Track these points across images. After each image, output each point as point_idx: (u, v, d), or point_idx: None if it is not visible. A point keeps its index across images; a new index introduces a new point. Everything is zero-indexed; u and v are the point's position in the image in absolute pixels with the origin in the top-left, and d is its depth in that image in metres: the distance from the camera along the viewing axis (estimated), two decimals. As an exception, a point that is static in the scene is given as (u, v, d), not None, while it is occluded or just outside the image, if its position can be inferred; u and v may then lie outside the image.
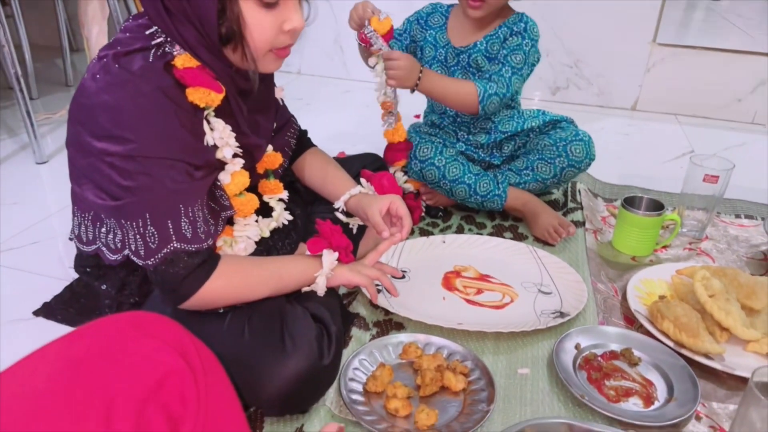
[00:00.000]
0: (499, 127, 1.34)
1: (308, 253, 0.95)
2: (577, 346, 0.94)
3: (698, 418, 0.82)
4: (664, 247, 1.26)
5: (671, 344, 0.93)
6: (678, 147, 1.87)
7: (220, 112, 0.83)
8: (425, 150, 1.32)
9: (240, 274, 0.84)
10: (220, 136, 0.83)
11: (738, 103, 2.08)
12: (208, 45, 0.78)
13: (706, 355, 0.91)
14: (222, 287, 0.81)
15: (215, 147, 0.83)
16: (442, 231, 1.33)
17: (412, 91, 1.23)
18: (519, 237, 1.30)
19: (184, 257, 0.78)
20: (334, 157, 1.33)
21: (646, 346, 0.94)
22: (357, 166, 1.23)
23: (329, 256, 0.93)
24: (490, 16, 1.26)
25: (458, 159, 1.31)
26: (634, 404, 0.84)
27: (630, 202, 1.23)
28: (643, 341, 0.95)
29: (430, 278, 1.14)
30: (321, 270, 0.92)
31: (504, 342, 0.98)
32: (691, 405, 0.81)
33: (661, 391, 0.86)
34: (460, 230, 1.33)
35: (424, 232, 1.32)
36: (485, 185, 1.30)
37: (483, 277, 1.15)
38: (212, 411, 0.53)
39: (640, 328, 1.00)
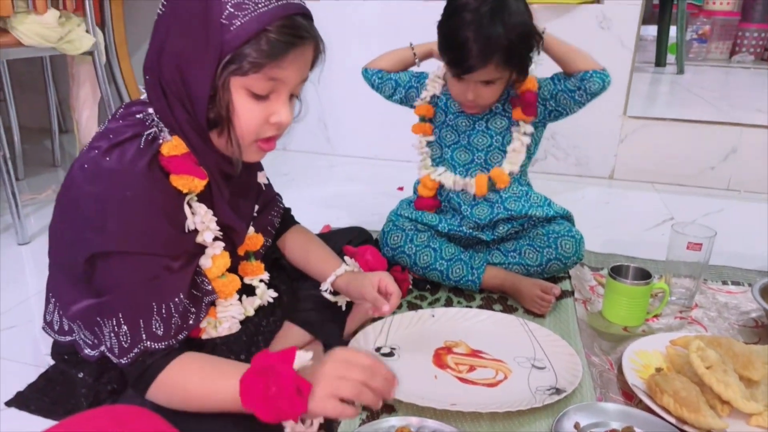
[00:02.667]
0: (505, 203, 1.33)
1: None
2: (576, 425, 0.90)
3: (709, 501, 0.78)
4: (656, 316, 1.25)
5: (673, 420, 0.90)
6: (657, 214, 1.90)
7: (201, 197, 0.84)
8: (395, 238, 1.33)
9: (188, 370, 0.78)
10: (201, 220, 0.83)
11: (712, 171, 2.14)
12: (196, 127, 0.79)
13: (710, 431, 0.88)
14: (168, 382, 0.77)
15: (195, 232, 0.83)
16: (430, 304, 1.30)
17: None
18: (509, 309, 1.27)
19: (151, 355, 0.77)
20: (319, 232, 1.33)
21: (648, 423, 0.90)
22: (341, 241, 1.22)
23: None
24: None
25: (430, 245, 1.32)
26: (641, 488, 0.80)
27: (617, 272, 1.23)
28: (645, 418, 0.91)
29: (421, 355, 1.10)
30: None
31: (500, 422, 0.94)
32: (701, 487, 0.77)
33: (667, 472, 0.83)
34: (448, 303, 1.31)
35: (412, 306, 1.29)
36: (458, 271, 1.30)
37: (475, 353, 1.11)
38: None
39: (639, 404, 0.96)
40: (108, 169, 0.74)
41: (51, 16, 1.62)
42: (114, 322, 0.75)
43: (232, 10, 0.73)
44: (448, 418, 0.93)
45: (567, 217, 1.37)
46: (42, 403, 0.97)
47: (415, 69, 1.44)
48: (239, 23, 0.73)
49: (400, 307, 1.29)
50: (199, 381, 0.77)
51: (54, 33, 1.64)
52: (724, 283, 1.41)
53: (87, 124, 1.91)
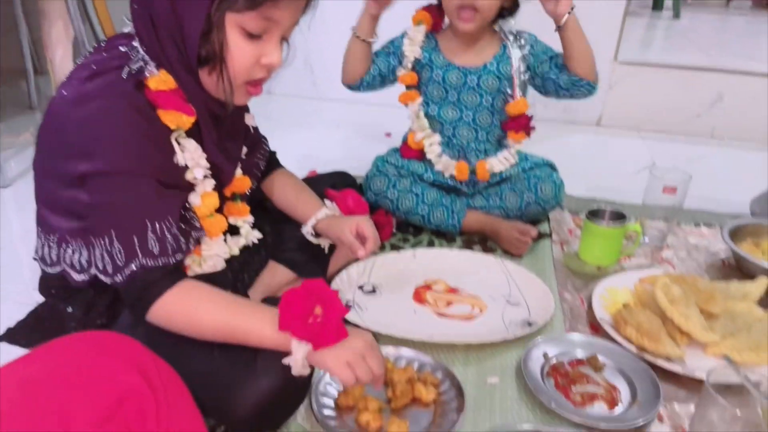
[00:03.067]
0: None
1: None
2: (544, 355, 0.96)
3: (660, 420, 0.85)
4: (628, 256, 1.30)
5: (634, 349, 0.96)
6: (640, 161, 1.93)
7: (189, 135, 0.83)
8: (378, 183, 1.36)
9: (197, 297, 0.79)
10: (191, 156, 0.83)
11: (697, 119, 2.16)
12: (185, 64, 0.78)
13: (668, 359, 0.94)
14: (177, 304, 0.78)
15: (185, 168, 0.83)
16: (412, 246, 1.35)
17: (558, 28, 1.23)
18: (488, 250, 1.32)
19: (150, 272, 0.77)
20: (305, 176, 1.34)
21: (610, 352, 0.96)
22: (325, 185, 1.25)
23: (299, 349, 0.75)
24: (481, 32, 1.30)
25: (412, 190, 1.34)
26: (599, 408, 0.86)
27: (594, 214, 1.27)
28: (608, 347, 0.97)
29: (401, 292, 1.15)
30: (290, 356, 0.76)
31: (474, 353, 1.00)
32: (654, 407, 0.84)
33: (624, 394, 0.89)
34: (430, 245, 1.35)
35: (395, 248, 1.33)
36: (439, 215, 1.34)
37: (453, 290, 1.17)
38: (173, 429, 0.53)
39: (605, 335, 1.02)
40: (91, 94, 0.73)
41: None
42: (106, 240, 0.74)
43: None
44: (425, 349, 0.99)
45: (549, 165, 1.40)
46: (32, 338, 1.01)
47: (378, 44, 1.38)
48: None
49: (383, 248, 1.34)
50: (213, 307, 0.78)
51: None
52: (697, 225, 1.46)
53: (62, 63, 1.82)
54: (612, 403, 0.87)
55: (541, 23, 1.28)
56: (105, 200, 0.75)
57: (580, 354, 0.97)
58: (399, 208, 1.35)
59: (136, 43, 0.80)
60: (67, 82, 0.77)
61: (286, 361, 0.75)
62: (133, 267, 0.75)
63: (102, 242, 0.75)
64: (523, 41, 1.33)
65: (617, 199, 1.58)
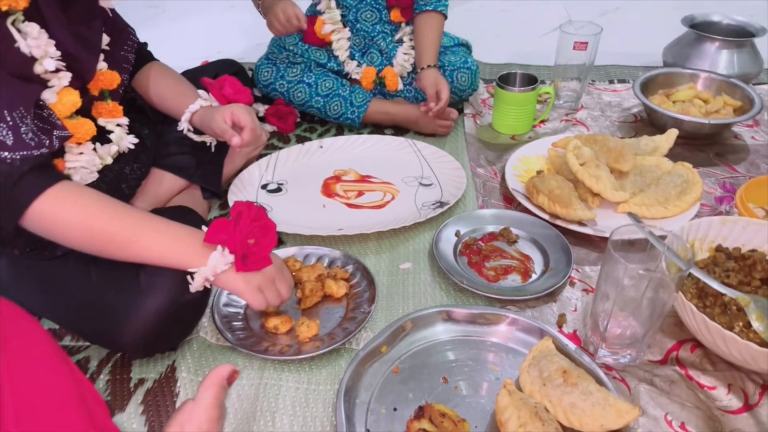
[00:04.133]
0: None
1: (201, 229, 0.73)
2: (456, 233, 0.93)
3: (572, 284, 0.85)
4: (542, 121, 1.26)
5: (546, 217, 0.94)
6: (556, 18, 1.84)
7: (31, 20, 0.69)
8: (266, 73, 1.23)
9: (81, 201, 0.69)
10: (36, 44, 0.69)
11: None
12: None
13: (580, 223, 0.92)
14: (54, 211, 0.68)
15: (33, 60, 0.70)
16: (320, 135, 1.25)
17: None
18: (400, 132, 1.24)
19: (11, 165, 0.66)
20: (197, 67, 1.20)
21: (523, 222, 0.94)
22: (209, 75, 1.11)
23: (220, 259, 0.69)
24: None
25: (304, 80, 1.22)
26: (513, 281, 0.85)
27: (505, 80, 1.20)
28: (520, 218, 0.95)
29: (309, 187, 1.08)
30: (200, 268, 0.69)
31: (386, 240, 0.95)
32: (565, 272, 0.83)
33: (538, 264, 0.88)
34: (339, 132, 1.26)
35: (301, 139, 1.24)
36: (336, 108, 1.23)
37: (363, 179, 1.10)
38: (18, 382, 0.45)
39: (518, 206, 1.00)
40: None
41: None
42: None
43: None
44: (337, 243, 0.94)
45: (463, 45, 1.29)
46: None
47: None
48: None
49: (288, 141, 1.24)
50: (99, 212, 0.68)
51: None
52: (611, 82, 1.42)
53: None
54: (525, 273, 0.86)
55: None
56: None
57: (492, 228, 0.94)
58: (292, 100, 1.23)
59: None
60: None
61: (192, 276, 0.69)
62: None
63: None
64: None
65: (530, 62, 1.52)
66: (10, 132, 0.66)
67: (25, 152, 0.67)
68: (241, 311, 0.82)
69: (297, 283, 0.86)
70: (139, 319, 0.70)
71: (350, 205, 1.04)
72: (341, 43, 1.24)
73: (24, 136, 0.67)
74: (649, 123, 1.24)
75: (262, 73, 1.23)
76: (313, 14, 1.25)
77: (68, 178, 0.73)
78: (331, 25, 1.22)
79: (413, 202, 1.03)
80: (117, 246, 0.69)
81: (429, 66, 1.16)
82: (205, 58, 1.49)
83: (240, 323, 0.81)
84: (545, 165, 1.08)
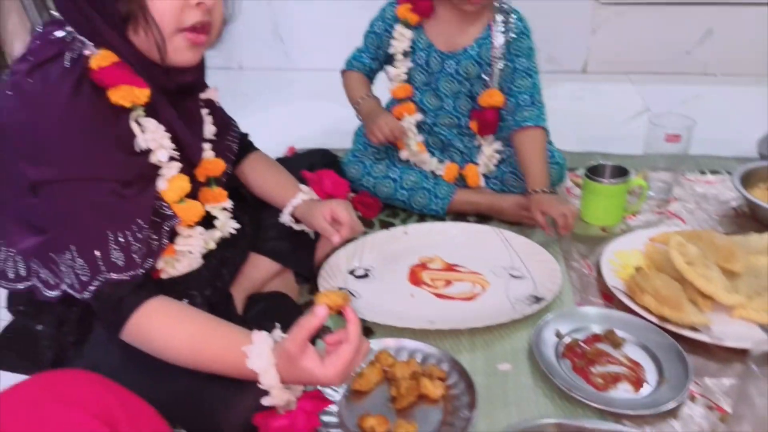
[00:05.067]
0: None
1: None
2: (557, 333, 0.89)
3: (693, 399, 0.78)
4: (633, 213, 1.22)
5: (654, 319, 0.88)
6: (633, 106, 1.83)
7: (150, 113, 0.75)
8: (353, 171, 1.25)
9: (168, 314, 0.73)
10: (153, 137, 0.75)
11: (687, 56, 2.05)
12: (113, 27, 0.70)
13: (692, 328, 0.86)
14: (149, 326, 0.72)
15: (148, 152, 0.76)
16: (403, 221, 1.25)
17: None
18: (484, 219, 1.23)
19: (118, 287, 0.71)
20: (282, 156, 1.25)
21: (628, 324, 0.89)
22: (303, 165, 1.15)
23: (262, 343, 0.69)
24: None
25: (389, 175, 1.24)
26: (624, 391, 0.79)
27: (594, 171, 1.18)
28: (625, 319, 0.90)
29: (396, 274, 1.07)
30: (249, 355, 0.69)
31: (480, 336, 0.92)
32: (684, 385, 0.76)
33: (650, 372, 0.81)
34: (422, 219, 1.25)
35: (385, 225, 1.24)
36: (420, 200, 1.23)
37: (450, 267, 1.08)
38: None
39: (619, 305, 0.95)
40: (32, 93, 0.67)
41: None
42: (68, 255, 0.69)
43: None
44: (427, 337, 0.91)
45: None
46: (7, 357, 0.93)
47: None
48: None
49: (372, 226, 1.24)
50: (187, 336, 0.71)
51: None
52: (702, 173, 1.38)
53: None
54: (638, 383, 0.79)
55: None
56: (60, 211, 0.69)
57: (595, 329, 0.89)
58: (378, 194, 1.25)
59: (70, 28, 0.72)
60: (9, 80, 0.70)
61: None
62: (98, 283, 0.70)
63: (64, 258, 0.70)
64: (512, 24, 1.18)
65: (612, 151, 1.50)
66: (122, 253, 0.71)
67: (132, 272, 0.72)
68: (336, 410, 0.79)
69: (390, 380, 0.83)
70: (240, 415, 0.71)
71: (439, 295, 1.01)
72: (419, 157, 1.26)
73: (134, 255, 0.72)
74: (753, 218, 1.18)
75: (349, 170, 1.25)
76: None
77: (154, 287, 0.76)
78: (410, 154, 1.26)
79: (505, 296, 0.99)
80: (199, 365, 0.71)
81: (543, 191, 1.10)
82: (291, 145, 1.55)
83: (334, 418, 0.78)
84: (643, 261, 1.03)
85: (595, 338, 0.88)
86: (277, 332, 0.74)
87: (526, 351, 0.88)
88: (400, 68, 1.23)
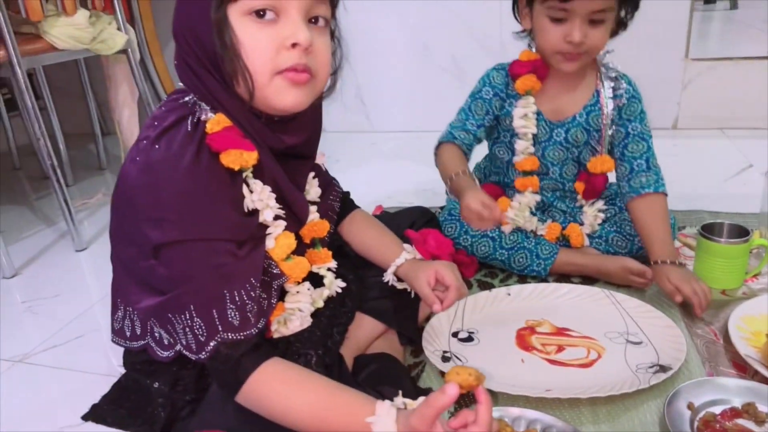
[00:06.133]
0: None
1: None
2: (689, 406, 0.82)
3: None
4: (755, 275, 1.14)
5: (801, 393, 0.80)
6: (734, 162, 1.76)
7: (258, 174, 0.79)
8: (450, 229, 1.24)
9: (287, 379, 0.73)
10: (260, 198, 0.78)
11: (786, 110, 1.97)
12: (223, 86, 0.74)
13: None
14: (265, 390, 0.72)
15: (256, 212, 0.79)
16: (501, 281, 1.22)
17: None
18: (589, 280, 1.18)
19: (234, 347, 0.72)
20: (372, 213, 1.26)
21: (771, 398, 0.81)
22: (404, 223, 1.15)
23: (386, 416, 0.67)
24: (581, 69, 1.14)
25: (488, 234, 1.21)
26: (777, 473, 0.71)
27: (709, 230, 1.12)
28: (766, 392, 0.82)
29: (502, 338, 1.03)
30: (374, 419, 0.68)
31: (602, 407, 0.86)
32: None
33: (805, 453, 0.73)
34: (522, 279, 1.22)
35: (483, 285, 1.21)
36: (521, 261, 1.20)
37: (561, 332, 1.03)
38: None
39: (756, 375, 0.87)
40: (157, 160, 0.71)
41: (81, 16, 1.58)
42: (186, 316, 0.71)
43: None
44: (544, 405, 0.86)
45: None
46: (118, 414, 0.95)
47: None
48: None
49: (470, 286, 1.22)
50: (308, 403, 0.71)
51: (86, 34, 1.61)
52: (826, 231, 1.28)
53: (128, 123, 1.89)
54: (793, 465, 0.72)
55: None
56: (180, 272, 0.72)
57: (735, 401, 0.82)
58: (476, 253, 1.23)
59: (191, 94, 0.77)
60: (136, 145, 0.74)
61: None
62: (215, 343, 0.71)
63: (182, 318, 0.72)
64: (622, 90, 1.16)
65: (719, 209, 1.43)
66: (237, 313, 0.72)
67: (247, 331, 0.73)
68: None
69: (510, 452, 0.78)
70: None
71: (552, 362, 0.96)
72: (520, 216, 1.23)
73: (249, 314, 0.73)
74: None
75: (446, 229, 1.24)
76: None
77: (270, 348, 0.77)
78: (512, 227, 1.22)
79: (625, 363, 0.94)
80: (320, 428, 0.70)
81: (671, 262, 1.05)
82: (379, 204, 1.57)
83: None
84: (775, 327, 0.96)
85: (734, 413, 0.80)
86: (399, 399, 0.72)
87: (657, 425, 0.82)
88: (526, 140, 1.19)
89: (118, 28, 1.74)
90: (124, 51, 1.77)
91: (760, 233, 1.19)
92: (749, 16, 3.04)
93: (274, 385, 0.72)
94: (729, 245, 1.08)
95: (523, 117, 1.18)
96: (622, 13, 1.08)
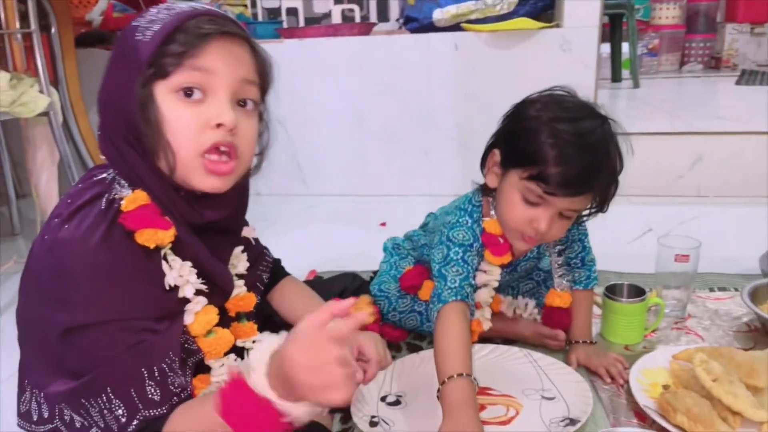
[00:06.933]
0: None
1: None
2: (596, 455, 0.90)
3: None
4: (653, 331, 1.26)
5: (690, 439, 0.90)
6: (637, 226, 1.94)
7: (178, 250, 0.78)
8: (380, 306, 1.28)
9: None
10: (179, 274, 0.78)
11: (681, 179, 2.20)
12: (145, 162, 0.73)
13: (727, 446, 0.88)
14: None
15: (177, 288, 0.78)
16: (430, 343, 1.29)
17: None
18: (509, 342, 1.27)
19: (156, 421, 0.71)
20: (305, 278, 1.28)
21: (665, 444, 0.90)
22: (335, 289, 1.20)
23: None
24: None
25: (414, 309, 1.27)
26: None
27: (612, 291, 1.24)
28: (662, 439, 0.91)
29: (429, 400, 1.08)
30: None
31: (520, 461, 0.92)
32: (729, 506, 0.77)
33: (694, 494, 0.82)
34: (448, 341, 1.29)
35: (413, 348, 1.27)
36: None
37: (482, 391, 1.10)
38: None
39: (653, 425, 0.96)
40: (65, 239, 0.69)
41: (2, 79, 1.55)
42: (104, 399, 0.69)
43: (145, 25, 0.71)
44: (467, 462, 0.91)
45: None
46: None
47: None
48: (152, 32, 0.70)
49: (400, 350, 1.28)
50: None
51: (6, 96, 1.56)
52: (711, 290, 1.44)
53: (47, 187, 1.80)
54: (683, 506, 0.80)
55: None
56: (92, 356, 0.69)
57: (635, 451, 0.90)
58: (404, 326, 1.29)
59: (112, 170, 0.77)
60: (48, 223, 0.73)
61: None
62: (136, 423, 0.70)
63: (98, 402, 0.70)
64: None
65: (624, 270, 1.57)
66: (158, 388, 0.71)
67: (168, 406, 0.72)
68: None
69: None
70: None
71: (474, 420, 1.02)
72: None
73: (171, 386, 0.73)
74: (766, 333, 1.22)
75: (376, 303, 1.28)
76: None
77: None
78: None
79: (539, 418, 1.01)
80: None
81: (586, 342, 1.17)
82: (312, 268, 1.62)
83: None
84: (669, 378, 1.06)
85: (635, 460, 0.89)
86: None
87: (568, 475, 0.89)
88: (488, 290, 1.16)
89: (41, 91, 1.70)
90: (45, 113, 1.72)
91: (657, 292, 1.33)
92: (648, 93, 3.39)
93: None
94: (629, 304, 1.20)
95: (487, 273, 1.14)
96: (585, 212, 1.10)
